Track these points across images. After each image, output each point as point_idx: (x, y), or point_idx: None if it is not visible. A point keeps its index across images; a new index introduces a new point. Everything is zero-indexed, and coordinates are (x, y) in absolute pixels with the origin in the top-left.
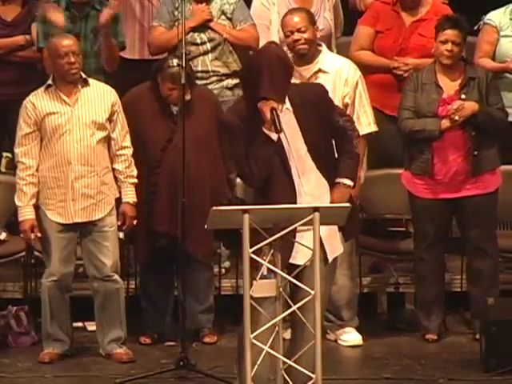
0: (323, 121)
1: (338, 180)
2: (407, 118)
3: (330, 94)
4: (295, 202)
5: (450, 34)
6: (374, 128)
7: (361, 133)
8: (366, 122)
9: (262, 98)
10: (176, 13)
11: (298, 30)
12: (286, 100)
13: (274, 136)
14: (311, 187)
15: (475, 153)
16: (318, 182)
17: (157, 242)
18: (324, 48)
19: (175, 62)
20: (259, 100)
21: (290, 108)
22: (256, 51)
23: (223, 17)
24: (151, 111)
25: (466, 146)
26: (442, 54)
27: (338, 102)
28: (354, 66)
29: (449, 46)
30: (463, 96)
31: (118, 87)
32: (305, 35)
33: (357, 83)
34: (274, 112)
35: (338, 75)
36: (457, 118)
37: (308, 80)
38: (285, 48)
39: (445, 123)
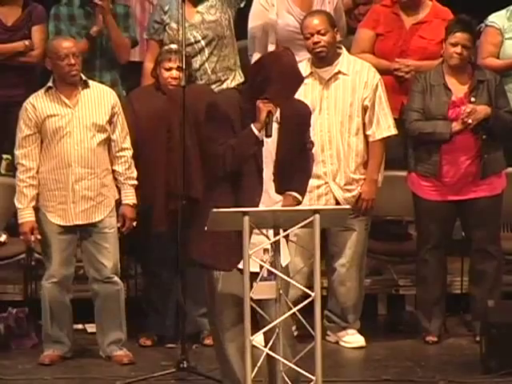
0: (297, 138)
1: (290, 192)
2: (416, 119)
3: (349, 96)
4: (259, 202)
5: (460, 36)
6: (393, 131)
7: (380, 136)
8: (385, 125)
9: (265, 97)
10: (165, 17)
11: (318, 32)
12: (277, 110)
13: (261, 136)
14: (265, 196)
15: (485, 156)
16: (271, 192)
17: (172, 205)
18: (344, 51)
19: (172, 46)
20: (260, 98)
21: (279, 119)
22: (271, 53)
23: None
24: (152, 108)
25: (475, 149)
26: (452, 56)
27: (357, 104)
28: (373, 69)
29: (458, 49)
30: (473, 99)
31: (132, 83)
32: (324, 38)
33: (377, 86)
34: (270, 116)
35: (357, 77)
36: (470, 121)
37: (327, 82)
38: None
39: (456, 126)
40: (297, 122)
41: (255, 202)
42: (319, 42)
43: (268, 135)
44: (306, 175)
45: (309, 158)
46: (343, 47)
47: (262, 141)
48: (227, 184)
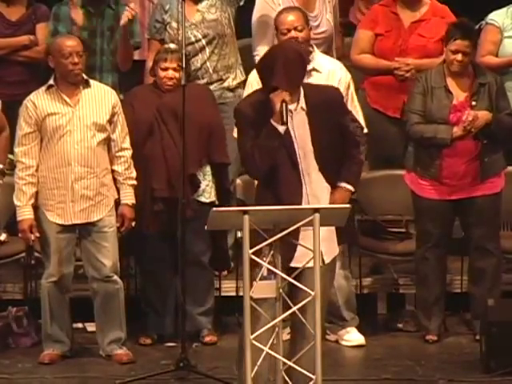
0: (334, 124)
1: (340, 184)
2: (417, 122)
3: None
4: (301, 198)
5: (460, 44)
6: (364, 130)
7: None
8: None
9: (274, 87)
10: (165, 17)
11: (295, 29)
12: (302, 99)
13: (281, 128)
14: (313, 188)
15: (486, 160)
16: (320, 183)
17: (156, 206)
18: (315, 48)
19: (171, 46)
20: (272, 90)
21: (305, 108)
22: (275, 45)
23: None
24: (149, 107)
25: (475, 153)
26: (452, 63)
27: None
28: (344, 68)
29: (459, 57)
30: (474, 103)
31: (130, 86)
32: (301, 34)
33: (349, 85)
34: (284, 104)
35: (330, 75)
36: (473, 130)
37: None
38: None
39: (457, 131)
40: (326, 108)
41: (296, 195)
42: (296, 38)
43: (283, 123)
44: (355, 162)
45: (356, 143)
46: (314, 46)
47: (288, 131)
48: (267, 183)
